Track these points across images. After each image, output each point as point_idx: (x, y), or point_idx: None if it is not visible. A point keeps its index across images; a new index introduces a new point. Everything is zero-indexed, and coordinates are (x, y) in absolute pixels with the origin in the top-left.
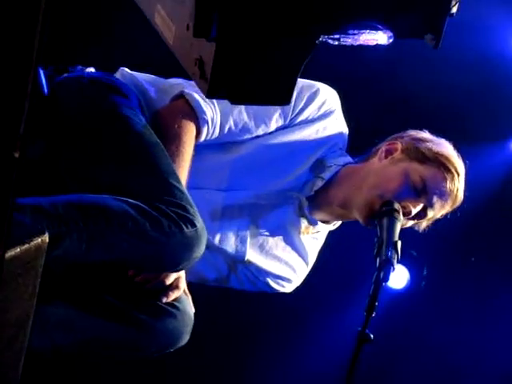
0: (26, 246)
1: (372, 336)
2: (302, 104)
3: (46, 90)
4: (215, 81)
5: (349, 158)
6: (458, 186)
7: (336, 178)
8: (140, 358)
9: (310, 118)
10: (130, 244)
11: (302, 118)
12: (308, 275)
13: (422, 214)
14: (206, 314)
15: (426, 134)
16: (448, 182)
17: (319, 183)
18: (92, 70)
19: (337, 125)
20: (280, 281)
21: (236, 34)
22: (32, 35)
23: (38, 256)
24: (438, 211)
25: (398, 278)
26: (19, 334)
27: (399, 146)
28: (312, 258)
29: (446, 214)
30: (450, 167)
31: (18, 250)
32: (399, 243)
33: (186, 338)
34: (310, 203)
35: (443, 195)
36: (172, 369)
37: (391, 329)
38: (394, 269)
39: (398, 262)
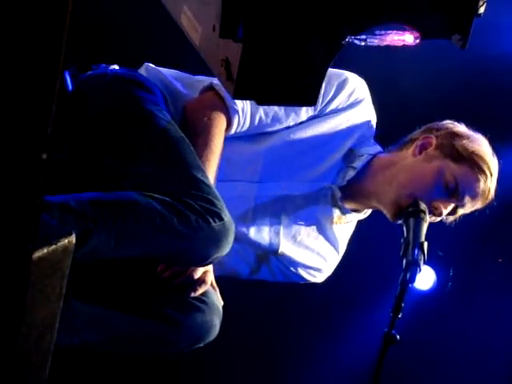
0: (53, 247)
1: (398, 337)
2: (331, 93)
3: (70, 88)
4: (242, 82)
5: (379, 147)
6: (490, 186)
7: (368, 169)
8: (169, 353)
9: (340, 107)
10: (158, 240)
11: (331, 107)
12: (334, 275)
13: (452, 213)
14: (231, 310)
15: (462, 128)
16: (481, 182)
17: (351, 173)
18: (116, 67)
19: (366, 113)
20: (312, 271)
21: (262, 34)
22: (59, 39)
23: (64, 257)
24: (469, 209)
25: (425, 278)
26: (46, 334)
27: (434, 141)
28: (343, 247)
29: (476, 210)
30: (484, 168)
31: (45, 251)
32: (425, 244)
33: (215, 333)
34: (343, 193)
35: (475, 195)
36: (197, 364)
37: (417, 330)
38: (420, 270)
39: (425, 262)
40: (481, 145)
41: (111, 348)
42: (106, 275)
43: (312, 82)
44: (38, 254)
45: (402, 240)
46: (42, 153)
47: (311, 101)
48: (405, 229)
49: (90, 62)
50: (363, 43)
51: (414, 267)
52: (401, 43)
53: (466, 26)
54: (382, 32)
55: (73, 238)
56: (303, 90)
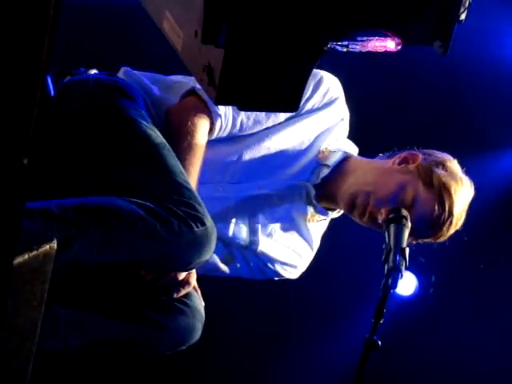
0: (35, 252)
1: (380, 343)
2: (308, 93)
3: (52, 93)
4: (224, 87)
5: (353, 146)
6: (443, 223)
7: (342, 168)
8: (152, 356)
9: (315, 106)
10: (140, 245)
11: (308, 107)
12: (316, 280)
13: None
14: (213, 311)
15: (453, 165)
16: (435, 214)
17: (325, 170)
18: (95, 71)
19: (340, 112)
20: (287, 267)
21: (244, 40)
22: (40, 43)
23: (46, 263)
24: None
25: (406, 284)
26: (27, 340)
27: (418, 159)
28: (316, 243)
29: (417, 242)
30: (446, 203)
31: (27, 256)
32: (407, 250)
33: (197, 335)
34: (317, 191)
35: (423, 223)
36: (184, 366)
37: (399, 335)
38: (402, 276)
39: (406, 268)
40: (459, 185)
41: (94, 352)
42: (88, 278)
43: (293, 87)
44: (19, 259)
45: (383, 246)
46: (24, 158)
47: (293, 107)
48: (386, 235)
49: (69, 65)
50: (345, 49)
51: (395, 273)
52: (382, 49)
53: (447, 33)
54: (364, 38)
55: (54, 244)
56: (285, 96)
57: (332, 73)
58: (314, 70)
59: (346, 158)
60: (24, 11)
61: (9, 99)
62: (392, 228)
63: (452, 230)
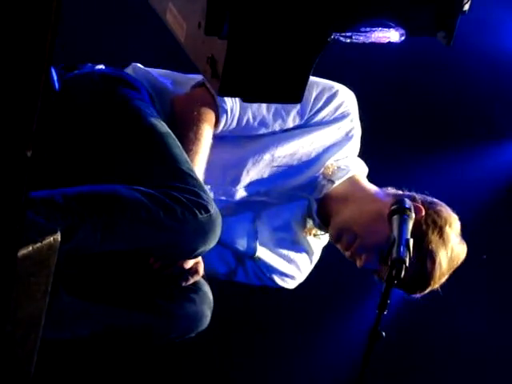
0: (39, 244)
1: (383, 333)
2: (319, 104)
3: (56, 86)
4: (227, 79)
5: (363, 165)
6: (417, 286)
7: (345, 191)
8: (161, 344)
9: (326, 119)
10: (143, 233)
11: (318, 118)
12: (321, 273)
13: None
14: (218, 307)
15: (452, 230)
16: (413, 277)
17: (329, 186)
18: (102, 66)
19: (351, 128)
20: (285, 278)
21: (247, 31)
22: (44, 35)
23: (50, 255)
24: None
25: None
26: (32, 332)
27: (421, 214)
28: (316, 256)
29: None
30: (426, 271)
31: (31, 249)
32: (411, 241)
33: (206, 322)
34: (319, 204)
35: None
36: (180, 364)
37: (403, 326)
38: (406, 267)
39: (411, 259)
40: (446, 254)
41: (103, 341)
42: (96, 267)
43: (297, 79)
44: (23, 251)
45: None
46: (27, 150)
47: (296, 98)
48: (389, 226)
49: (76, 61)
50: (348, 40)
51: (399, 264)
52: (386, 40)
53: (451, 23)
54: (368, 29)
55: (58, 236)
56: (288, 87)
57: (334, 67)
58: (331, 83)
59: (352, 178)
60: (27, 5)
61: (12, 92)
62: (395, 219)
63: (425, 292)
